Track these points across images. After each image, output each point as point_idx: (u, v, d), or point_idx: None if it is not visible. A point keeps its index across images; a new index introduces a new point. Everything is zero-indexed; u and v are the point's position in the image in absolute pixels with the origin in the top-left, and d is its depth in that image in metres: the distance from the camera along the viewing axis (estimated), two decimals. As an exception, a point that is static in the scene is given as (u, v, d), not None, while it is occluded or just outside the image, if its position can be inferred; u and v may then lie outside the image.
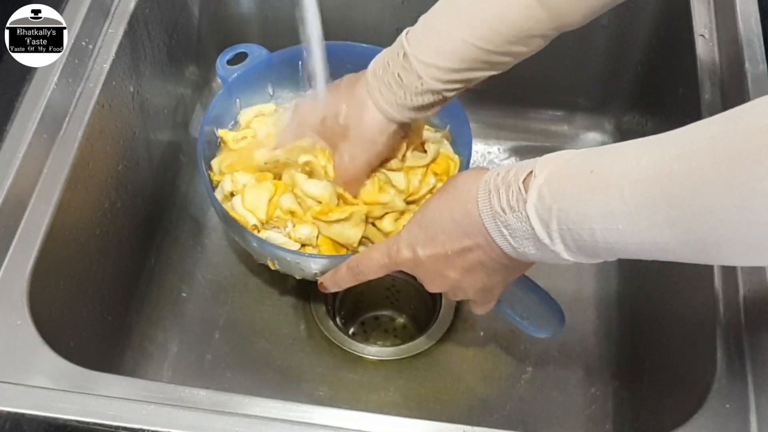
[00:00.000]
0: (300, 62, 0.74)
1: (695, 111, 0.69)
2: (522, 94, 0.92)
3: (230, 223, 0.68)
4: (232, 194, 0.71)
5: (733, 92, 0.68)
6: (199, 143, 0.72)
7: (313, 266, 0.67)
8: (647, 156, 0.44)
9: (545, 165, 0.48)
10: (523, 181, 0.49)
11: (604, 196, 0.45)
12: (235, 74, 0.76)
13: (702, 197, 0.40)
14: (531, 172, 0.49)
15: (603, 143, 0.92)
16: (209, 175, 0.72)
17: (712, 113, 0.68)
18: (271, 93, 0.80)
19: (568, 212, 0.46)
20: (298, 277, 0.71)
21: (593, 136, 0.92)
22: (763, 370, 0.55)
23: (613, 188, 0.44)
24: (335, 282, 0.65)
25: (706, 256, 0.43)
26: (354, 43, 0.79)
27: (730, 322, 0.58)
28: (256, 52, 0.78)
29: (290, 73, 0.79)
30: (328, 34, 0.69)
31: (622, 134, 0.91)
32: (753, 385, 0.55)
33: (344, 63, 0.77)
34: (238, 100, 0.78)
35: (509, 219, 0.49)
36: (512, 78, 0.90)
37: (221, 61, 0.77)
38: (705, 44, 0.73)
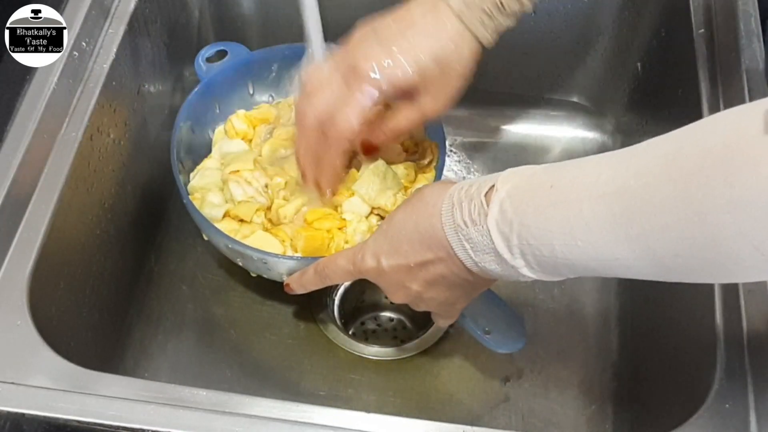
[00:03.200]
0: (275, 65, 0.78)
1: (695, 111, 0.69)
2: (522, 94, 0.92)
3: (196, 216, 0.69)
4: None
5: (733, 92, 0.68)
6: (172, 139, 0.72)
7: (280, 268, 0.67)
8: (606, 172, 0.44)
9: (507, 179, 0.49)
10: (485, 195, 0.49)
11: (563, 212, 0.45)
12: (213, 72, 0.76)
13: (659, 213, 0.40)
14: (493, 186, 0.49)
15: (603, 143, 0.92)
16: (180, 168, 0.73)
17: (712, 113, 0.68)
18: (251, 92, 0.81)
19: (529, 227, 0.46)
20: (265, 276, 0.71)
21: (593, 136, 0.92)
22: (762, 370, 0.55)
23: (573, 204, 0.44)
24: (301, 284, 0.65)
25: (666, 273, 0.43)
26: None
27: (730, 323, 0.58)
28: (235, 50, 0.78)
29: (270, 72, 0.80)
30: (326, 34, 0.70)
31: (623, 134, 0.90)
32: (753, 386, 0.55)
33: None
34: (216, 102, 0.78)
35: (471, 233, 0.49)
36: (512, 78, 0.91)
37: (200, 59, 0.76)
38: (705, 44, 0.73)
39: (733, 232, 0.38)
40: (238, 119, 0.78)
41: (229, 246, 0.67)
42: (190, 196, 0.71)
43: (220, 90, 0.78)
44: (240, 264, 0.71)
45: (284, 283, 0.67)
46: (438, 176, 0.72)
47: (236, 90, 0.80)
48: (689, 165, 0.39)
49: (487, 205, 0.48)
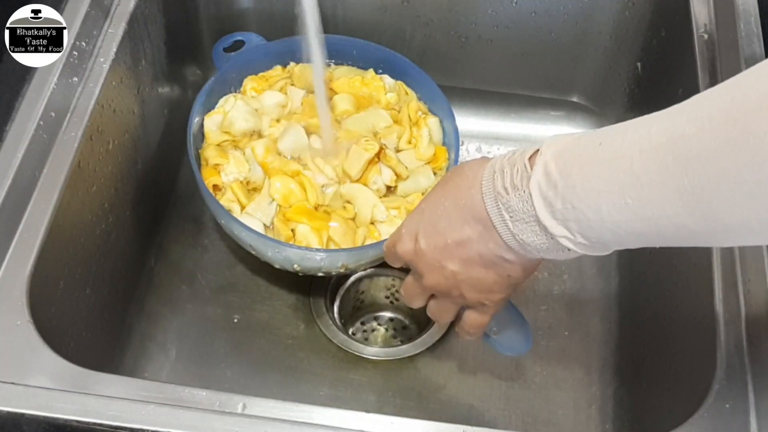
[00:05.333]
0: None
1: (695, 111, 0.69)
2: (522, 94, 0.92)
3: (219, 210, 0.69)
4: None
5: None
6: (189, 130, 0.72)
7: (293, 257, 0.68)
8: (657, 125, 0.42)
9: (553, 142, 0.47)
10: (529, 159, 0.47)
11: (612, 168, 0.43)
12: (230, 61, 0.77)
13: (715, 158, 0.38)
14: (538, 150, 0.47)
15: (603, 143, 0.92)
16: (198, 154, 0.73)
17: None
18: None
19: (575, 188, 0.44)
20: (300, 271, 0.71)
21: (593, 136, 0.92)
22: (763, 370, 0.55)
23: (622, 159, 0.42)
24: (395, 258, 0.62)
25: (722, 231, 0.40)
26: (353, 38, 0.81)
27: (730, 322, 0.58)
28: (254, 41, 0.78)
29: (287, 62, 0.80)
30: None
31: (622, 134, 0.90)
32: (753, 385, 0.55)
33: (344, 57, 0.81)
34: (233, 88, 0.78)
35: (511, 199, 0.47)
36: (512, 78, 0.91)
37: (218, 48, 0.77)
38: (705, 44, 0.73)
39: None
40: (252, 81, 0.79)
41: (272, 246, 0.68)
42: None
43: (236, 80, 0.78)
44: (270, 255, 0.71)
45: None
46: None
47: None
48: (746, 106, 0.37)
49: (531, 169, 0.46)
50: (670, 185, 0.40)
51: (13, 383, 0.53)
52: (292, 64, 0.80)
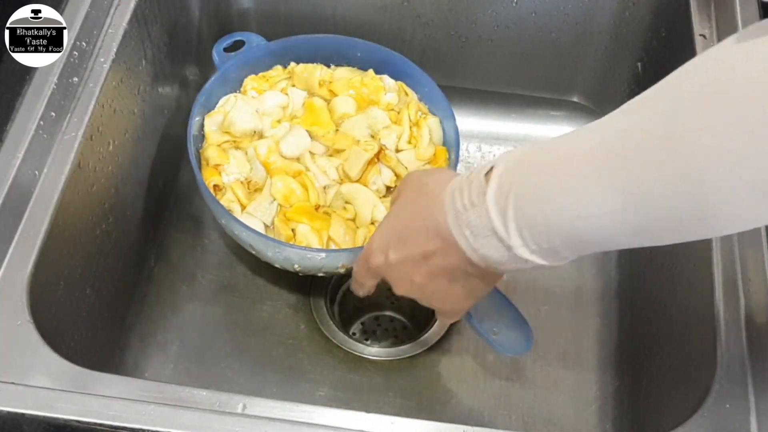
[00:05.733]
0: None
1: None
2: (522, 94, 0.92)
3: (219, 211, 0.69)
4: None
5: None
6: (189, 130, 0.72)
7: (292, 257, 0.68)
8: (595, 128, 0.44)
9: (506, 155, 0.49)
10: (485, 175, 0.49)
11: (555, 171, 0.45)
12: (230, 61, 0.76)
13: (641, 151, 0.40)
14: (493, 165, 0.49)
15: (603, 143, 0.92)
16: (199, 153, 0.73)
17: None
18: None
19: (523, 195, 0.46)
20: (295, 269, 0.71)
21: (593, 136, 0.92)
22: (763, 370, 0.55)
23: (564, 162, 0.44)
24: (358, 286, 0.65)
25: (655, 225, 0.42)
26: (353, 38, 0.80)
27: (731, 322, 0.58)
28: (254, 40, 0.78)
29: (288, 62, 0.80)
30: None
31: (622, 134, 0.90)
32: (753, 386, 0.55)
33: (345, 58, 0.81)
34: (233, 88, 0.78)
35: (470, 216, 0.49)
36: (512, 78, 0.91)
37: (218, 48, 0.77)
38: (705, 44, 0.73)
39: (716, 159, 0.37)
40: (253, 81, 0.78)
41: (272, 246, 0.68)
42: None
43: (236, 80, 0.78)
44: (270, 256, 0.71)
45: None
46: None
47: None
48: (671, 102, 0.40)
49: (486, 184, 0.48)
50: (605, 181, 0.42)
51: (13, 383, 0.53)
52: (292, 64, 0.80)
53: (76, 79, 0.67)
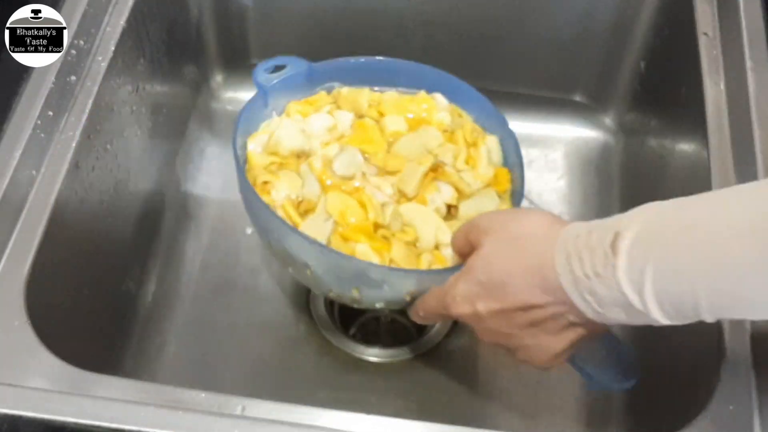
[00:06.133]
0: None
1: (698, 110, 0.69)
2: (523, 93, 0.92)
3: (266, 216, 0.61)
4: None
5: (737, 92, 0.68)
6: (233, 149, 0.66)
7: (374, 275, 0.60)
8: (750, 204, 0.41)
9: (632, 222, 0.45)
10: (611, 245, 0.45)
11: (707, 252, 0.41)
12: (274, 81, 0.70)
13: None
14: (617, 233, 0.45)
15: (606, 143, 0.92)
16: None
17: (715, 113, 0.68)
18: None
19: (664, 273, 0.43)
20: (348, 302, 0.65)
21: (596, 135, 0.92)
22: (767, 372, 0.55)
23: (719, 242, 0.41)
24: (415, 319, 0.63)
25: None
26: (401, 60, 0.76)
27: (734, 324, 0.57)
28: (296, 64, 0.72)
29: (333, 87, 0.74)
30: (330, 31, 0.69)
31: (625, 134, 0.90)
32: (757, 388, 0.55)
33: (392, 81, 0.76)
34: (275, 113, 0.72)
35: (595, 285, 0.45)
36: (514, 77, 0.91)
37: (259, 72, 0.70)
38: (708, 43, 0.73)
39: None
40: (297, 105, 0.72)
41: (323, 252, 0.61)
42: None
43: (276, 104, 0.72)
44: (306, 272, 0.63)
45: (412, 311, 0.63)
46: (516, 205, 0.68)
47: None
48: None
49: (615, 255, 0.44)
50: None
51: (10, 385, 0.52)
52: (337, 88, 0.74)
53: (74, 78, 0.67)
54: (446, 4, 0.85)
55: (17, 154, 0.61)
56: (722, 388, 0.54)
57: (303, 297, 0.80)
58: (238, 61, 0.92)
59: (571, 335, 0.52)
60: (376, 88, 0.75)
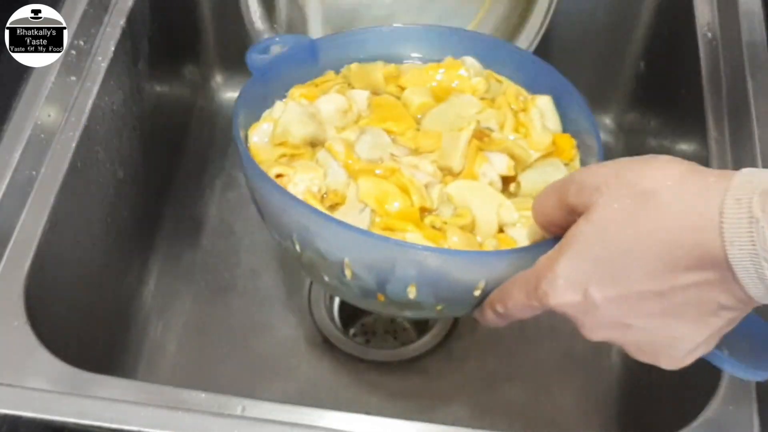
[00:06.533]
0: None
1: (698, 111, 0.69)
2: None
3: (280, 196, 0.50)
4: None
5: (736, 92, 0.68)
6: (238, 143, 0.55)
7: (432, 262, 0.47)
8: None
9: None
10: None
11: None
12: (271, 62, 0.61)
13: None
14: None
15: (606, 143, 0.91)
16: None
17: (714, 113, 0.68)
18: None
19: None
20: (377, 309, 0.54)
21: (595, 135, 0.92)
22: (767, 372, 0.55)
23: None
24: (486, 321, 0.50)
25: None
26: (417, 26, 0.66)
27: (734, 324, 0.57)
28: (296, 41, 0.63)
29: (341, 65, 0.64)
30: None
31: (625, 133, 0.90)
32: (756, 388, 0.54)
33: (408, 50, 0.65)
34: (276, 100, 0.61)
35: None
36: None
37: (252, 55, 0.62)
38: (708, 43, 0.72)
39: None
40: (300, 89, 0.61)
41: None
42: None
43: (279, 90, 0.62)
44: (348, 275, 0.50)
45: (473, 316, 0.52)
46: None
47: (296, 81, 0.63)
48: None
49: None
50: None
51: (10, 385, 0.52)
52: (346, 66, 0.64)
53: (73, 78, 0.67)
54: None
55: (17, 154, 0.61)
56: (722, 388, 0.54)
57: (303, 297, 0.80)
58: (238, 62, 0.91)
59: (719, 322, 0.41)
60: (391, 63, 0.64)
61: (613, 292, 0.41)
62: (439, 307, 0.51)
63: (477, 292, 0.49)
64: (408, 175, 0.53)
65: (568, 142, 0.58)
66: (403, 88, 0.62)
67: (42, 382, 0.52)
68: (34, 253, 0.58)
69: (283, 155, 0.56)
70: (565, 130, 0.59)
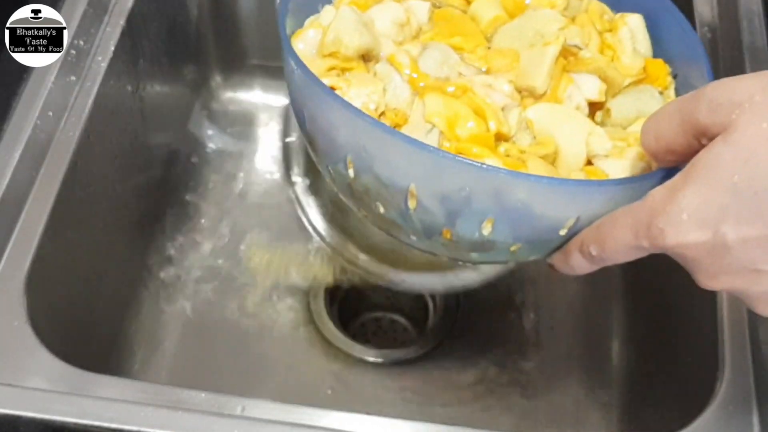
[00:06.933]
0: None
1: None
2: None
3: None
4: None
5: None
6: (281, 27, 0.49)
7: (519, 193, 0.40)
8: None
9: None
10: None
11: None
12: None
13: None
14: None
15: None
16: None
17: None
18: None
19: None
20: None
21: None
22: (766, 375, 0.55)
23: None
24: (571, 267, 0.44)
25: None
26: None
27: (734, 324, 0.57)
28: None
29: None
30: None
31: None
32: (756, 390, 0.54)
33: None
34: (319, 5, 0.53)
35: None
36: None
37: None
38: (708, 42, 0.72)
39: None
40: None
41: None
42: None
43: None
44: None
45: (548, 263, 0.46)
46: None
47: None
48: None
49: None
50: None
51: (9, 385, 0.52)
52: None
53: (73, 77, 0.67)
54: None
55: (17, 154, 0.61)
56: (722, 388, 0.54)
57: (303, 297, 0.80)
58: (237, 62, 0.92)
59: None
60: None
61: (752, 231, 0.34)
62: (514, 248, 0.43)
63: (563, 231, 0.42)
64: (482, 95, 0.46)
65: (662, 68, 0.51)
66: (468, 1, 0.54)
67: (42, 382, 0.52)
68: (34, 253, 0.58)
69: (333, 67, 0.48)
70: (657, 54, 0.52)
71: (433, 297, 0.78)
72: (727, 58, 0.71)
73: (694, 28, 0.73)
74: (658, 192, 0.37)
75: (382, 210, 0.44)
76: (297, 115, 0.47)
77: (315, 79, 0.43)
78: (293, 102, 0.48)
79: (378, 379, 0.75)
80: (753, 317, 0.57)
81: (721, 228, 0.35)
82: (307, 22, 0.52)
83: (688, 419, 0.53)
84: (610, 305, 0.81)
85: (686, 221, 0.35)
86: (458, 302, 0.79)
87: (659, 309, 0.73)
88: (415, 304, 0.80)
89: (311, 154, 0.49)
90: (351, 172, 0.44)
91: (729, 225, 0.34)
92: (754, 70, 0.68)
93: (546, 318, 0.79)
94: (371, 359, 0.76)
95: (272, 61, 0.91)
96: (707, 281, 0.38)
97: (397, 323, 0.82)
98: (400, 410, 0.73)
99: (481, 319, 0.78)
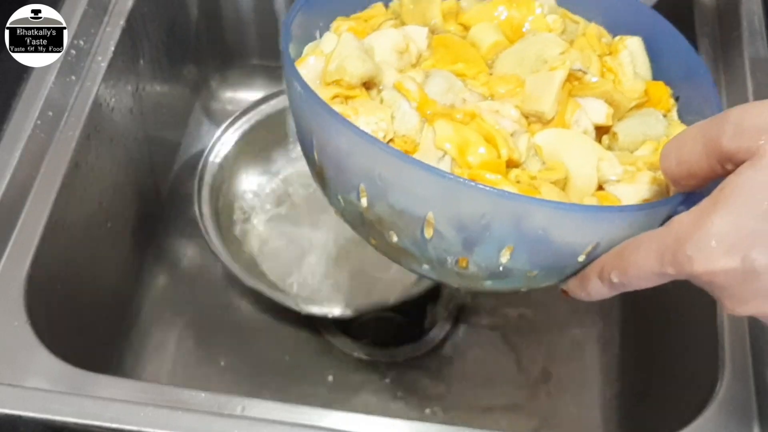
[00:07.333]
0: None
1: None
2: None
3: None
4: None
5: (736, 92, 0.68)
6: (284, 50, 0.47)
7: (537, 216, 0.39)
8: None
9: None
10: None
11: None
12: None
13: None
14: None
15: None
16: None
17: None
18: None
19: None
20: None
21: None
22: (766, 376, 0.55)
23: None
24: (587, 293, 0.42)
25: None
26: None
27: (734, 326, 0.57)
28: None
29: None
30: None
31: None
32: (756, 390, 0.54)
33: None
34: (318, 33, 0.52)
35: None
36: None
37: None
38: (709, 44, 0.72)
39: None
40: (345, 23, 0.52)
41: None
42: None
43: (322, 21, 0.52)
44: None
45: (561, 289, 0.45)
46: None
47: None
48: None
49: None
50: None
51: (10, 385, 0.52)
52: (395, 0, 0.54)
53: (73, 77, 0.67)
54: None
55: (17, 153, 0.61)
56: (722, 388, 0.54)
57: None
58: (237, 62, 0.92)
59: None
60: None
61: None
62: (531, 274, 0.43)
63: (582, 257, 0.41)
64: (491, 121, 0.45)
65: (664, 91, 0.50)
66: (465, 27, 0.53)
67: (42, 382, 0.52)
68: (34, 253, 0.58)
69: (336, 95, 0.47)
70: (657, 77, 0.51)
71: (433, 297, 0.78)
72: (728, 60, 0.71)
73: (695, 28, 0.74)
74: (685, 218, 0.36)
75: (395, 239, 0.43)
76: (303, 143, 0.46)
77: (326, 106, 0.41)
78: (299, 129, 0.46)
79: (378, 378, 0.75)
80: (753, 318, 0.57)
81: (750, 254, 0.34)
82: (307, 48, 0.51)
83: (687, 419, 0.53)
84: (610, 306, 0.81)
85: (715, 248, 0.34)
86: (459, 302, 0.79)
87: (659, 309, 0.73)
88: (415, 302, 0.80)
89: (316, 183, 0.47)
90: (364, 201, 0.42)
91: (758, 251, 0.34)
92: (753, 70, 0.68)
93: (546, 319, 0.79)
94: (371, 359, 0.76)
95: (272, 61, 0.91)
96: (736, 307, 0.36)
97: (397, 323, 0.82)
98: (399, 410, 0.74)
99: (483, 319, 0.78)
